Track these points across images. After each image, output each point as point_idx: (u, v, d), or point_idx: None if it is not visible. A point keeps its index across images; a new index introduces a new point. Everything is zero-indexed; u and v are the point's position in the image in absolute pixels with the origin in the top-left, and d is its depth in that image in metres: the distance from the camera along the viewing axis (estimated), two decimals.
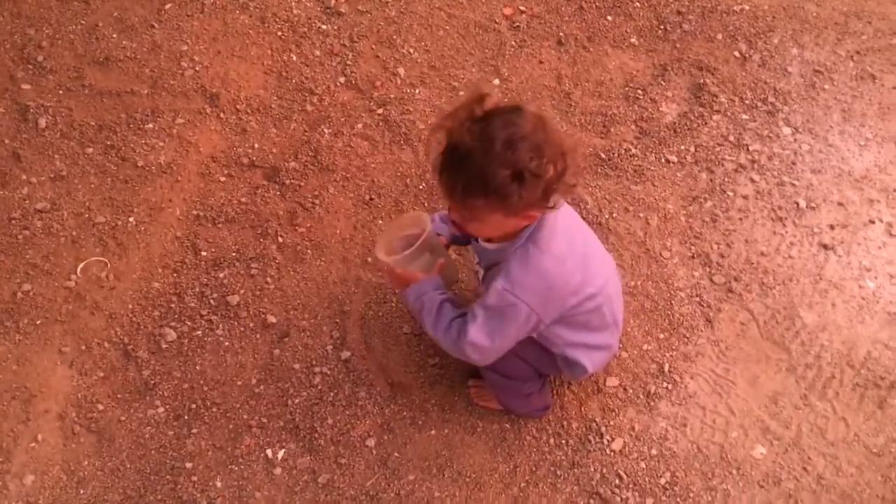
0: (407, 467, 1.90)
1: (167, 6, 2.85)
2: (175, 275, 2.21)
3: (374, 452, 1.92)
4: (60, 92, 2.57)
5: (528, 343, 1.66)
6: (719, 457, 1.91)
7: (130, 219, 2.30)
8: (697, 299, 2.17)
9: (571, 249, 1.57)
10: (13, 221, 2.28)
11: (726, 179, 2.43)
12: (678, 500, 1.85)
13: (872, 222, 2.33)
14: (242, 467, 1.90)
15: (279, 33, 2.83)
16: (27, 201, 2.33)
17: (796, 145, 2.52)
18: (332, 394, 2.00)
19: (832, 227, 2.32)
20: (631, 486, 1.87)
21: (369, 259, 2.25)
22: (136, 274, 2.21)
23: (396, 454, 1.92)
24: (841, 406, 1.98)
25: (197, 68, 2.68)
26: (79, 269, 2.19)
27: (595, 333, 1.69)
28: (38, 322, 2.10)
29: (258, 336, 2.11)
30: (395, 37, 2.84)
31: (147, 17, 2.82)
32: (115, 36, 2.76)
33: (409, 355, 2.06)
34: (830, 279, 2.21)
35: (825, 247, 2.28)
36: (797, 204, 2.38)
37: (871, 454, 1.91)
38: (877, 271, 2.22)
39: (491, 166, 1.38)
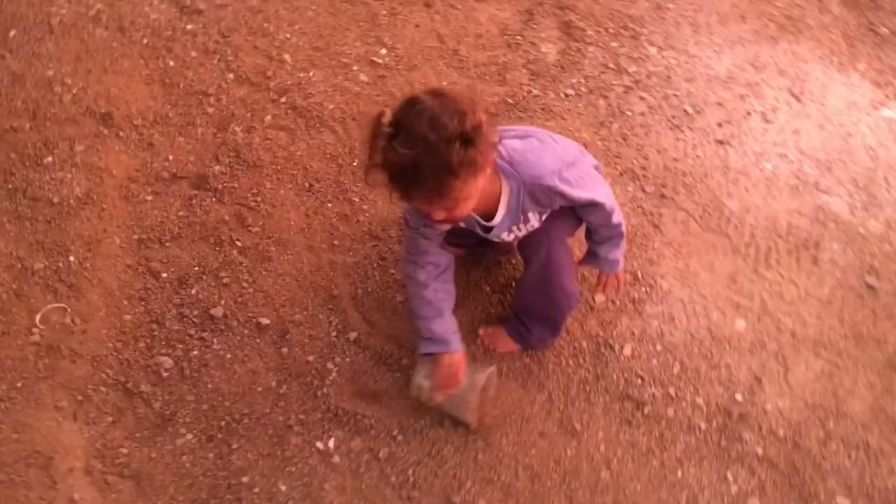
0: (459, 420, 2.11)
1: (11, 33, 2.79)
2: (144, 303, 2.26)
3: (424, 414, 2.17)
4: None
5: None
6: (711, 338, 2.32)
7: (70, 258, 2.30)
8: (640, 210, 2.57)
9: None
10: None
11: (621, 102, 2.86)
12: (691, 383, 2.26)
13: (750, 114, 2.86)
14: (300, 466, 2.03)
15: (144, 41, 2.87)
16: None
17: (665, 61, 2.99)
18: (355, 374, 2.18)
19: (720, 125, 2.82)
20: (651, 382, 2.24)
21: (335, 242, 2.38)
22: (101, 312, 2.23)
23: (448, 419, 2.12)
24: (785, 271, 2.48)
25: (74, 91, 2.67)
26: (37, 321, 2.15)
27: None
28: (18, 385, 2.08)
29: (258, 340, 2.21)
30: (266, 24, 2.97)
31: None
32: None
33: (412, 321, 2.26)
34: (736, 168, 2.70)
35: (721, 142, 2.78)
36: (685, 111, 2.85)
37: (822, 303, 2.42)
38: (769, 154, 2.74)
39: (440, 153, 1.57)
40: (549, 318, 2.22)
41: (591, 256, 2.20)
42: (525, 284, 2.18)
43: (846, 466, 2.17)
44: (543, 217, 2.00)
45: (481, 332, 2.32)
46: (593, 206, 1.97)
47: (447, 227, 1.89)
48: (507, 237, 2.02)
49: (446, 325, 2.01)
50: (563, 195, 1.88)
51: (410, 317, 2.15)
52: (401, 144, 1.57)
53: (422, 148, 1.57)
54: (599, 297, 2.42)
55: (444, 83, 2.88)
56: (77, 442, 2.05)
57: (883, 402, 2.29)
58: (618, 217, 2.04)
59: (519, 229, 2.00)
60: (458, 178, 1.61)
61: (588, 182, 1.95)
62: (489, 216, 1.94)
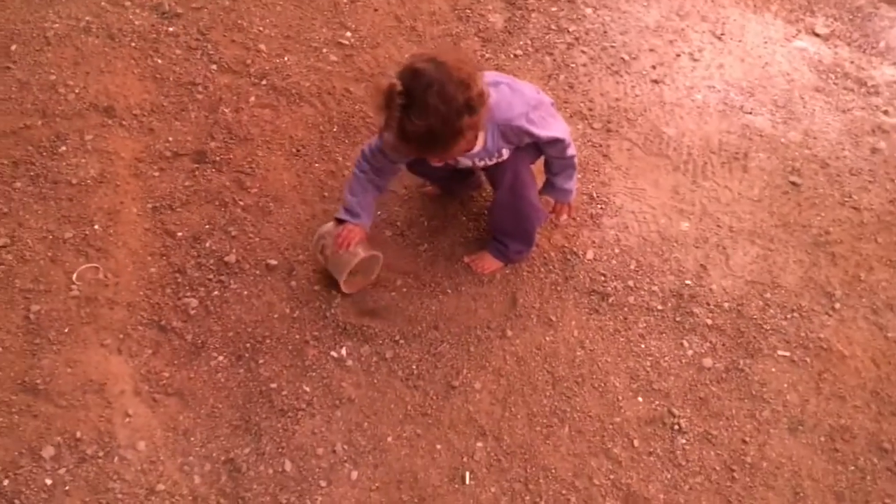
0: (451, 324, 2.62)
1: (12, 47, 3.22)
2: (165, 258, 2.68)
3: (421, 321, 2.61)
4: None
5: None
6: (660, 238, 2.80)
7: (95, 227, 2.71)
8: (590, 143, 3.06)
9: None
10: None
11: (565, 57, 3.35)
12: (647, 275, 2.73)
13: (679, 56, 3.37)
14: (319, 371, 2.46)
15: (133, 45, 3.31)
16: None
17: (600, 19, 3.50)
18: (357, 296, 2.67)
19: (654, 68, 3.32)
20: (612, 278, 2.71)
21: (326, 194, 2.85)
22: (129, 268, 2.64)
23: (442, 323, 2.63)
24: (720, 179, 2.97)
25: (76, 91, 3.10)
26: (75, 278, 2.56)
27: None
28: (66, 330, 2.48)
29: (269, 278, 2.65)
30: (240, 21, 3.43)
31: None
32: None
33: (402, 250, 2.74)
34: (671, 102, 3.20)
35: (656, 82, 3.28)
36: (622, 59, 3.35)
37: (754, 202, 2.92)
38: (698, 87, 3.25)
39: (451, 122, 1.96)
40: (522, 231, 2.68)
41: (547, 186, 2.66)
42: (497, 205, 2.63)
43: (783, 325, 2.64)
44: (510, 150, 2.46)
45: (466, 259, 2.78)
46: (554, 141, 2.42)
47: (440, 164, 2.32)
48: (478, 163, 2.47)
49: (363, 205, 2.50)
50: (529, 134, 2.30)
51: (343, 191, 2.67)
52: (415, 116, 1.94)
53: (434, 118, 1.94)
54: (562, 216, 2.88)
55: (406, 55, 3.35)
56: (124, 370, 2.46)
57: (811, 273, 2.77)
58: (572, 150, 2.50)
59: (490, 160, 2.45)
60: (465, 138, 2.04)
61: (549, 121, 2.41)
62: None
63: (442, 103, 1.94)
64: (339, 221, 2.55)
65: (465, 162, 2.41)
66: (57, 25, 3.38)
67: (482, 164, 2.47)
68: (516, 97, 2.31)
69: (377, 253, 2.61)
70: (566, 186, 2.62)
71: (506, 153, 2.42)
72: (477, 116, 2.02)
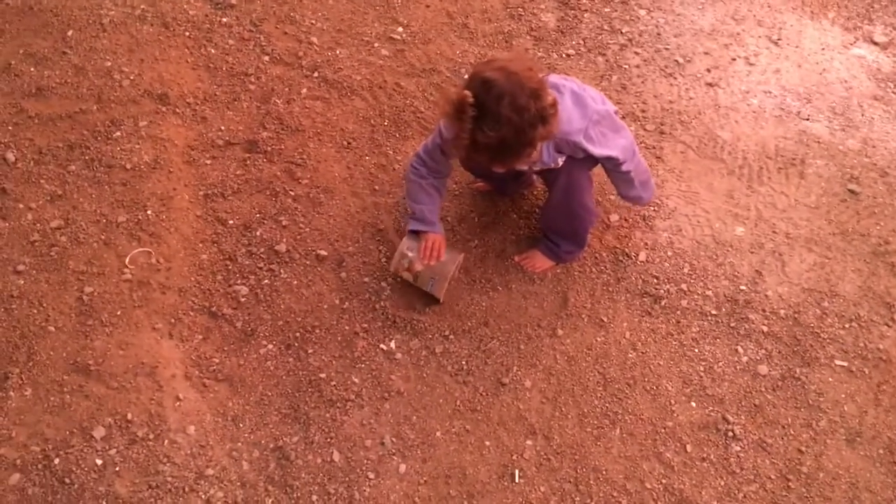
0: (501, 321, 2.59)
1: (69, 33, 3.24)
2: (216, 245, 2.67)
3: (471, 318, 2.57)
4: (10, 128, 2.94)
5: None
6: (714, 242, 2.75)
7: (148, 212, 2.71)
8: (643, 145, 3.02)
9: None
10: (36, 244, 2.61)
11: (618, 58, 3.31)
12: (700, 279, 2.68)
13: (734, 59, 3.31)
14: (368, 363, 2.44)
15: (186, 34, 3.31)
16: (38, 224, 2.71)
17: (654, 21, 3.45)
18: (406, 290, 2.64)
19: (709, 71, 3.27)
20: (665, 280, 2.66)
21: (376, 187, 2.82)
22: (181, 253, 2.63)
23: (492, 320, 2.60)
24: (776, 185, 2.91)
25: (131, 77, 3.10)
26: (127, 261, 2.56)
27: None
28: (118, 313, 2.47)
29: (319, 268, 2.63)
30: (292, 14, 3.42)
31: (56, 46, 3.19)
32: (32, 69, 3.10)
33: (453, 245, 2.68)
34: (726, 105, 3.15)
35: (710, 85, 3.23)
36: (677, 61, 3.30)
37: (811, 209, 2.86)
38: (754, 91, 3.20)
39: (525, 133, 1.95)
40: (573, 232, 2.64)
41: (619, 194, 2.65)
42: (550, 205, 2.60)
43: (841, 335, 2.58)
44: (564, 158, 2.42)
45: (517, 259, 2.75)
46: (608, 159, 2.39)
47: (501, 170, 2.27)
48: (534, 169, 2.45)
49: (434, 212, 2.49)
50: (584, 150, 2.28)
51: (406, 202, 2.63)
52: (489, 127, 1.92)
53: (507, 130, 1.93)
54: (614, 217, 2.84)
55: (457, 52, 3.33)
56: (175, 355, 2.46)
57: (870, 283, 2.71)
58: (629, 165, 2.41)
59: (546, 167, 2.42)
60: (535, 148, 2.04)
61: (609, 137, 2.36)
62: None
63: (515, 114, 1.92)
64: (414, 233, 2.53)
65: (520, 167, 2.37)
66: (112, 13, 3.40)
67: (537, 168, 2.44)
68: (577, 110, 2.25)
69: (462, 254, 2.63)
70: (630, 194, 2.61)
71: (561, 161, 2.40)
72: (549, 126, 2.00)
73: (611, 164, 2.43)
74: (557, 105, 2.03)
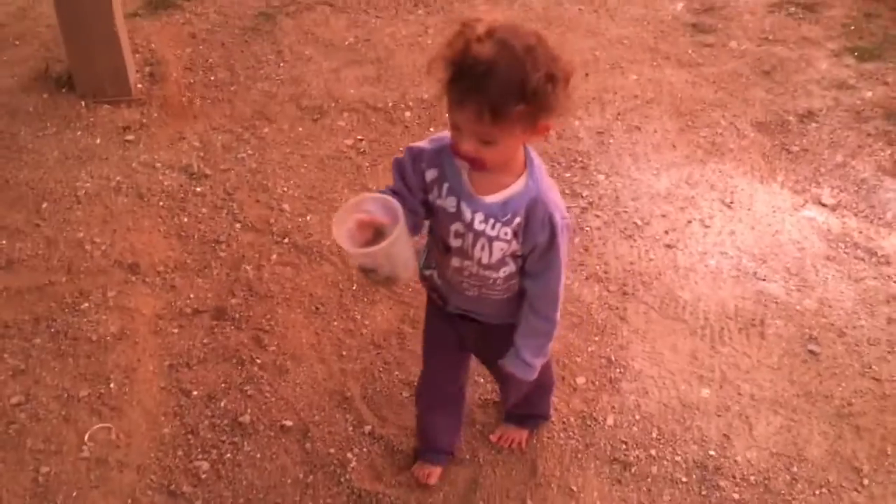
0: (470, 493, 2.50)
1: (43, 205, 3.25)
2: (179, 417, 2.58)
3: (438, 491, 2.49)
4: None
5: None
6: (681, 405, 2.71)
7: (111, 385, 2.64)
8: (607, 306, 3.01)
9: None
10: None
11: (579, 220, 3.37)
12: (670, 445, 2.62)
13: (690, 222, 3.37)
14: None
15: (160, 203, 3.33)
16: None
17: (612, 185, 3.54)
18: (373, 461, 2.56)
19: (667, 233, 3.32)
20: (634, 446, 2.60)
21: (343, 353, 2.76)
22: (142, 428, 2.54)
23: (461, 492, 2.50)
24: (738, 345, 2.90)
25: (103, 248, 3.09)
26: (87, 438, 2.46)
27: None
28: (73, 494, 2.37)
29: (283, 440, 2.55)
30: (265, 182, 3.47)
31: (28, 218, 3.21)
32: (4, 242, 3.11)
33: (414, 420, 2.62)
34: (685, 266, 3.18)
35: (669, 246, 3.27)
36: (636, 223, 3.36)
37: (773, 370, 2.84)
38: (711, 252, 3.24)
39: (523, 70, 1.47)
40: (537, 407, 2.60)
41: (510, 357, 2.03)
42: (507, 397, 2.57)
43: (812, 502, 2.50)
44: (512, 244, 1.80)
45: (493, 439, 2.66)
46: (557, 268, 1.84)
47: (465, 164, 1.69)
48: (477, 225, 1.78)
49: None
50: (552, 234, 1.75)
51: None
52: (485, 46, 1.48)
53: (507, 55, 1.48)
54: (580, 379, 2.79)
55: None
56: None
57: (837, 446, 2.65)
58: (555, 307, 1.94)
59: (497, 223, 1.76)
60: (524, 104, 1.50)
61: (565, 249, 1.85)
62: (487, 193, 1.75)
63: (524, 51, 1.49)
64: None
65: (467, 214, 1.77)
66: (88, 185, 3.42)
67: (482, 227, 1.78)
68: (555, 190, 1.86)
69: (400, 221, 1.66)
70: (528, 358, 2.01)
71: (506, 233, 1.76)
72: (550, 93, 1.52)
73: (553, 276, 1.86)
74: (569, 80, 1.57)
